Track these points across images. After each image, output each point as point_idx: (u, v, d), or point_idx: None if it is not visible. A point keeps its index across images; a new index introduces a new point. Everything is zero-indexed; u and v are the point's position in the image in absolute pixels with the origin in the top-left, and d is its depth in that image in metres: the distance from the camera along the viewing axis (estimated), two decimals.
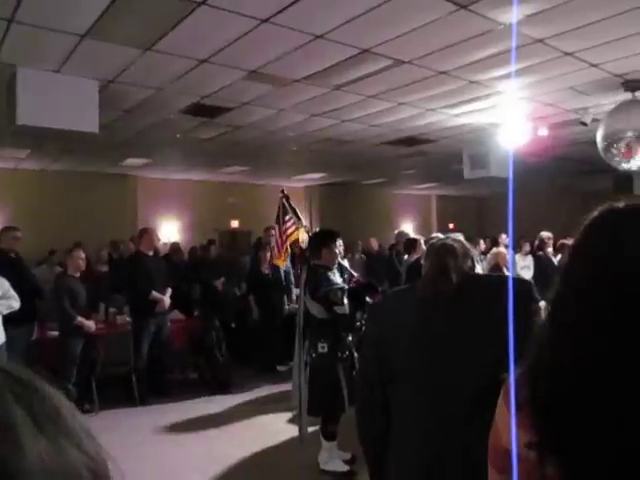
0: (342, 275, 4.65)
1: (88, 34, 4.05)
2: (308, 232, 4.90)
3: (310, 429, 4.22)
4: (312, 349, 4.02)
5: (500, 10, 3.75)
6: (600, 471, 0.71)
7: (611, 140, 5.47)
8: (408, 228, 13.31)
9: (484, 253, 7.58)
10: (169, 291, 6.25)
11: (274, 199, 5.49)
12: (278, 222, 5.10)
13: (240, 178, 12.26)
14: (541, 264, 7.41)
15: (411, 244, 6.21)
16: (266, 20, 3.85)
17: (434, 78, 5.26)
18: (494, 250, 6.05)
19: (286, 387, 5.51)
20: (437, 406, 1.69)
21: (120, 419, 5.39)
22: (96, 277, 7.39)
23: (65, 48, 4.32)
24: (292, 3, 3.59)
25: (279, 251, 5.21)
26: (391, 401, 1.81)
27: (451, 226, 14.56)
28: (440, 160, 9.85)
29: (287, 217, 5.00)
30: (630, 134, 5.32)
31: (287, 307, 7.26)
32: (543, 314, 0.88)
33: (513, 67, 4.98)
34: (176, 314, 6.77)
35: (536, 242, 7.83)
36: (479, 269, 5.07)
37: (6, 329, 4.70)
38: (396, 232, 9.31)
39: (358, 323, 4.25)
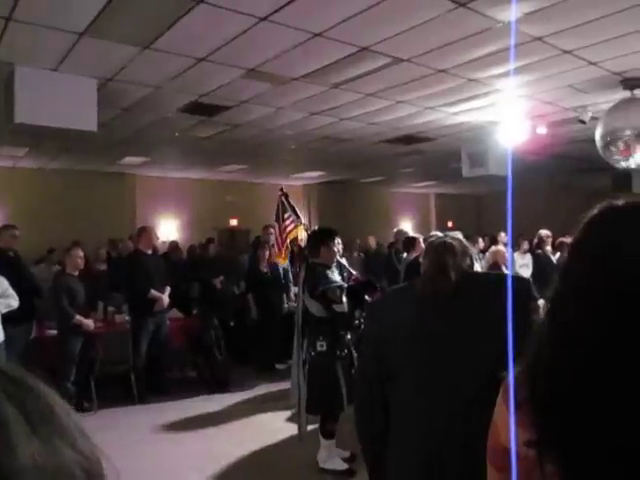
0: (341, 273, 4.65)
1: (86, 32, 4.05)
2: (307, 230, 4.90)
3: (309, 427, 4.23)
4: (311, 347, 4.02)
5: (499, 8, 3.74)
6: (599, 469, 0.71)
7: (610, 138, 5.47)
8: (407, 226, 13.30)
9: (483, 251, 7.57)
10: (168, 290, 6.24)
11: (273, 197, 5.49)
12: (277, 220, 5.10)
13: (239, 176, 12.25)
14: (540, 262, 7.42)
15: (410, 242, 6.21)
16: (264, 18, 3.85)
17: (433, 76, 5.26)
18: (493, 248, 6.04)
19: (285, 385, 5.51)
20: (436, 404, 1.69)
21: (119, 417, 5.38)
22: (95, 276, 7.38)
23: (63, 46, 4.31)
24: (290, 1, 3.58)
25: (279, 249, 5.22)
26: (390, 399, 1.81)
27: (450, 224, 14.55)
28: (439, 158, 9.85)
29: (286, 215, 5.00)
30: (629, 132, 5.32)
31: (286, 305, 7.26)
32: (542, 312, 0.88)
33: (512, 65, 4.97)
34: (175, 313, 6.77)
35: (535, 240, 7.84)
36: (478, 267, 5.08)
37: (5, 328, 4.70)
38: (395, 230, 9.32)
39: (357, 321, 4.25)
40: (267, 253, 7.18)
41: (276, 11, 3.73)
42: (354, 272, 5.16)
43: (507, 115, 6.77)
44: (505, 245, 7.06)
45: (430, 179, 13.71)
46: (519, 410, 0.79)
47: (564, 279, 0.84)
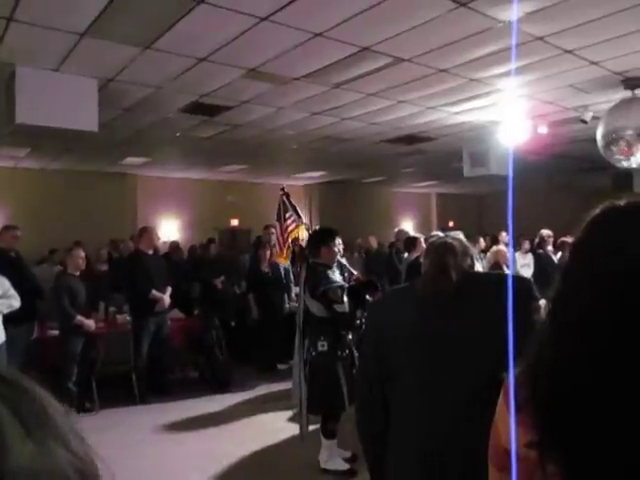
0: (342, 273, 4.65)
1: (87, 33, 4.05)
2: (308, 230, 4.90)
3: (310, 427, 4.23)
4: (312, 347, 4.02)
5: (500, 8, 3.74)
6: (601, 470, 0.71)
7: (611, 138, 5.46)
8: (408, 226, 13.32)
9: (484, 251, 7.57)
10: (169, 290, 6.24)
11: (274, 197, 5.49)
12: (279, 220, 5.10)
13: (240, 176, 12.26)
14: (541, 262, 7.42)
15: (411, 242, 6.21)
16: (265, 18, 3.85)
17: (434, 76, 5.26)
18: (494, 248, 6.04)
19: (286, 385, 5.52)
20: (437, 405, 1.69)
21: (120, 418, 5.38)
22: (96, 276, 7.39)
23: (64, 47, 4.31)
24: (291, 1, 3.58)
25: (281, 249, 5.22)
26: (390, 399, 1.81)
27: (451, 224, 14.55)
28: (440, 158, 9.85)
29: (288, 214, 5.01)
30: (630, 132, 5.32)
31: (287, 305, 7.26)
32: (543, 312, 0.88)
33: (513, 65, 4.97)
34: (176, 313, 6.77)
35: (536, 240, 7.83)
36: (479, 267, 5.07)
37: (6, 328, 4.71)
38: (396, 230, 9.32)
39: (358, 321, 4.25)
40: (268, 253, 7.18)
41: (277, 11, 3.73)
42: (355, 272, 5.16)
43: (508, 115, 6.77)
44: (506, 245, 7.05)
45: (431, 179, 13.71)
46: (520, 411, 0.79)
47: (565, 279, 0.84)
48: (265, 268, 7.28)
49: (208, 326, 6.48)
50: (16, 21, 3.83)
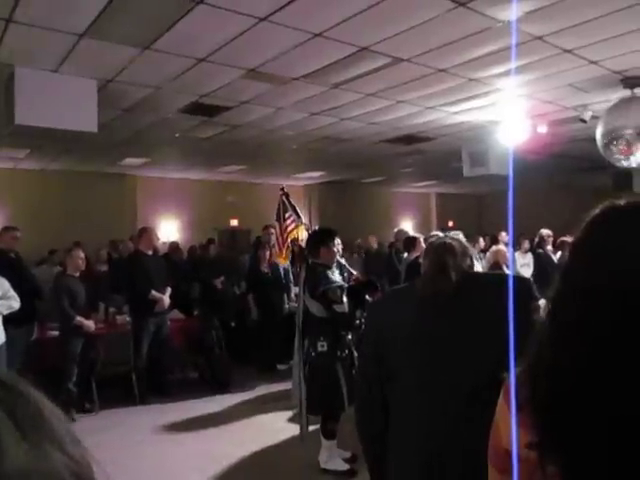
0: (341, 273, 4.65)
1: (86, 33, 4.05)
2: (308, 230, 4.90)
3: (310, 428, 4.22)
4: (312, 347, 4.02)
5: (499, 7, 3.74)
6: (600, 470, 0.71)
7: (610, 137, 5.47)
8: (407, 226, 13.30)
9: (484, 251, 7.57)
10: (168, 290, 6.24)
11: (273, 198, 5.49)
12: (279, 220, 5.10)
13: (239, 177, 12.26)
14: (541, 262, 7.42)
15: (410, 242, 6.21)
16: (264, 19, 3.85)
17: (433, 76, 5.26)
18: (494, 248, 6.03)
19: (285, 386, 5.51)
20: (437, 405, 1.69)
21: (120, 418, 5.38)
22: (95, 277, 7.38)
23: (63, 47, 4.31)
24: (290, 1, 3.58)
25: (280, 249, 5.22)
26: (390, 399, 1.81)
27: (451, 224, 14.56)
28: (439, 158, 9.85)
29: (287, 214, 5.01)
30: (629, 131, 5.32)
31: (287, 306, 7.25)
32: (543, 312, 0.88)
33: (512, 64, 4.97)
34: (176, 313, 6.77)
35: (536, 240, 7.83)
36: (479, 267, 5.07)
37: (6, 329, 4.70)
38: (395, 230, 9.32)
39: (358, 321, 4.25)
40: (268, 253, 7.18)
41: (276, 11, 3.73)
42: (354, 272, 5.16)
43: (508, 114, 6.77)
44: (506, 245, 7.05)
45: (431, 179, 13.71)
46: (521, 412, 0.79)
47: (565, 279, 0.84)
48: (265, 268, 7.28)
49: (208, 326, 6.48)
50: (15, 22, 3.83)
